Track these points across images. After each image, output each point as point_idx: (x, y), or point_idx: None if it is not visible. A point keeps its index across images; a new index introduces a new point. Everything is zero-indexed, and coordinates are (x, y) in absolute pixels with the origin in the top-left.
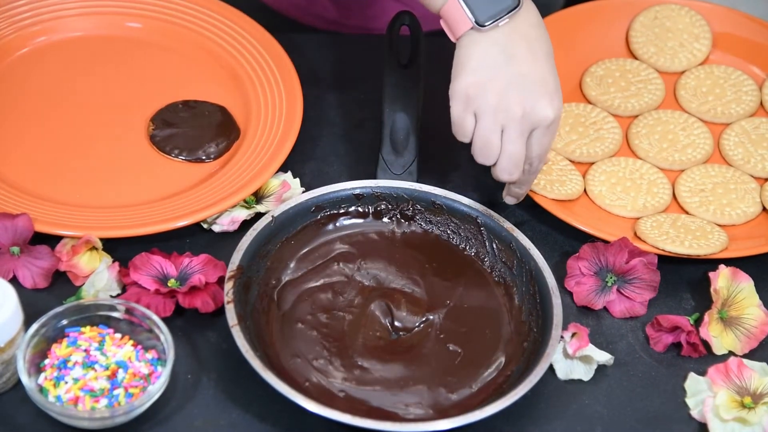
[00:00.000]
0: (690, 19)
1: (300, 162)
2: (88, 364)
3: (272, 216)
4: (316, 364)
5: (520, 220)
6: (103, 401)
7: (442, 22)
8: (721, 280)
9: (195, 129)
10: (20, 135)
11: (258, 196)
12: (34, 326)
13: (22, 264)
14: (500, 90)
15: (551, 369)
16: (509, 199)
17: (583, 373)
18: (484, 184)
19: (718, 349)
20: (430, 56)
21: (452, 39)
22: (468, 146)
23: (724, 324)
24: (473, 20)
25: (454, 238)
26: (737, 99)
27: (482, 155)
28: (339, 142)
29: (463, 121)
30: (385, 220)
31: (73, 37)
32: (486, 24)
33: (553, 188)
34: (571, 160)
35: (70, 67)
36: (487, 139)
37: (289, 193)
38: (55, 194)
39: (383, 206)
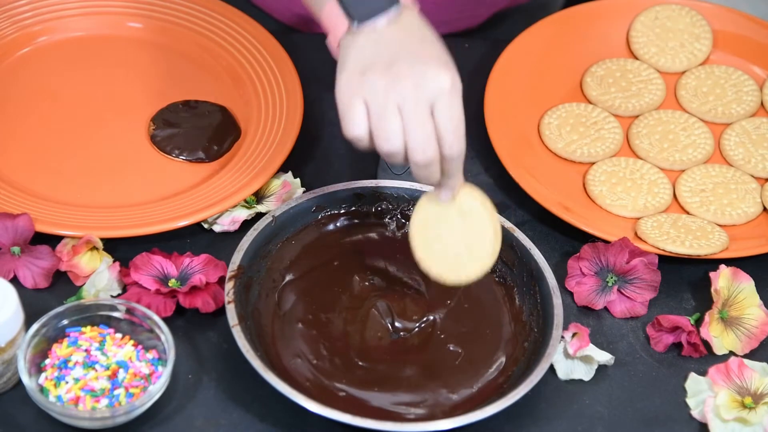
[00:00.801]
0: (691, 19)
1: (300, 162)
2: (89, 364)
3: (273, 216)
4: (316, 364)
5: (521, 220)
6: (104, 401)
7: (325, 30)
8: (722, 280)
9: (195, 129)
10: (21, 135)
11: (258, 196)
12: (35, 326)
13: (23, 264)
14: (385, 69)
15: (552, 369)
16: (445, 193)
17: (584, 373)
18: (485, 183)
19: (719, 349)
20: None
21: (332, 48)
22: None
23: (724, 324)
24: (350, 19)
25: None
26: (738, 99)
27: (385, 141)
28: (339, 142)
29: (350, 108)
30: (386, 220)
31: (74, 36)
32: (365, 21)
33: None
34: (572, 160)
35: (71, 66)
36: (385, 119)
37: (290, 193)
38: (55, 194)
39: (384, 206)
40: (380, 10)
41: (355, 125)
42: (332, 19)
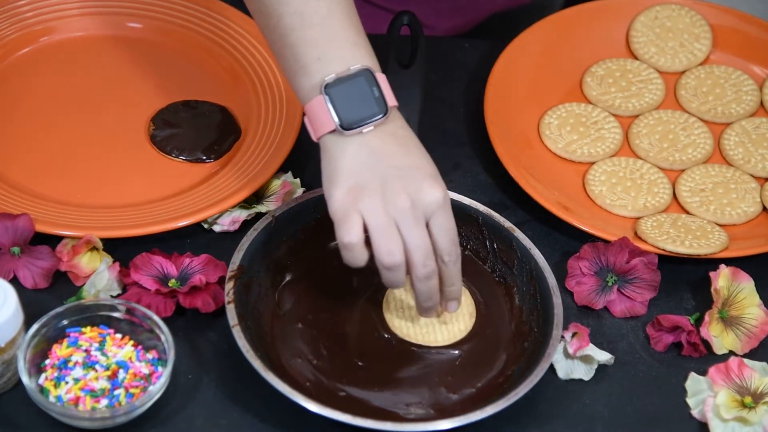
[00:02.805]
0: (690, 19)
1: (300, 162)
2: (89, 365)
3: (273, 216)
4: (316, 363)
5: (521, 220)
6: (104, 401)
7: (305, 117)
8: (722, 279)
9: (195, 129)
10: (21, 135)
11: (258, 196)
12: (35, 326)
13: (23, 264)
14: (380, 187)
15: (552, 369)
16: (452, 305)
17: (584, 372)
18: (485, 183)
19: (719, 349)
20: (431, 57)
21: (313, 137)
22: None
23: (724, 324)
24: (337, 123)
25: None
26: (738, 99)
27: (389, 256)
28: None
29: (347, 220)
30: None
31: (73, 36)
32: (351, 128)
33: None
34: (572, 160)
35: (70, 66)
36: (387, 237)
37: (290, 192)
38: (55, 194)
39: None
40: (370, 117)
41: (352, 234)
42: (318, 115)
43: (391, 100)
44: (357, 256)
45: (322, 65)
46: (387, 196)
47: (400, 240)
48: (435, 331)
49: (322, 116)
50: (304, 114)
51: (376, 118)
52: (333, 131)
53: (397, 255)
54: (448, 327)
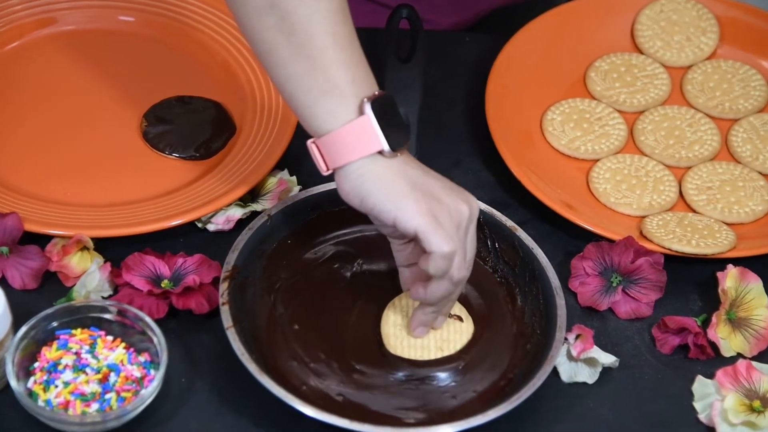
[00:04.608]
0: (697, 12)
1: (297, 159)
2: (79, 368)
3: (268, 215)
4: (313, 366)
5: (523, 219)
6: (95, 405)
7: (326, 142)
8: (729, 280)
9: (189, 125)
10: (10, 131)
11: (254, 195)
12: (24, 328)
13: (11, 264)
14: (443, 196)
15: (555, 372)
16: (440, 321)
17: (588, 375)
18: (486, 181)
19: (727, 351)
20: (431, 51)
21: (337, 162)
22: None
23: (732, 325)
24: (385, 144)
25: None
26: (745, 94)
27: (464, 266)
28: None
29: (439, 227)
30: None
31: (64, 30)
32: (396, 150)
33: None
34: (575, 157)
35: (61, 61)
36: (463, 245)
37: (286, 191)
38: (45, 192)
39: None
40: (406, 140)
41: (451, 241)
42: (361, 136)
43: None
44: (453, 265)
45: (356, 87)
46: (450, 203)
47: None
48: (430, 354)
49: (367, 138)
50: (312, 142)
51: (408, 142)
52: (371, 155)
53: (468, 268)
54: (443, 353)
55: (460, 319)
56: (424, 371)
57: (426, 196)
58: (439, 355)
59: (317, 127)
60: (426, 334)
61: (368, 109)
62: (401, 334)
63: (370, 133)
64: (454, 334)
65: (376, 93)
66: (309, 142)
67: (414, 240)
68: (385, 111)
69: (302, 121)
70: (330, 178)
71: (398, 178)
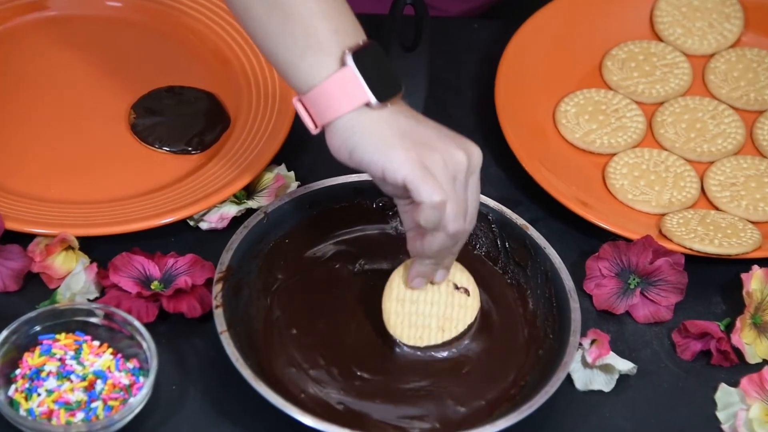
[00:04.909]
0: None
1: (295, 153)
2: (64, 375)
3: (265, 212)
4: (312, 373)
5: (535, 217)
6: (80, 415)
7: (312, 98)
8: (755, 281)
9: (180, 117)
10: None
11: (249, 191)
12: (4, 333)
13: None
14: (436, 144)
15: (569, 379)
16: (441, 274)
17: (604, 383)
18: (495, 177)
19: (752, 358)
20: (437, 38)
21: (329, 116)
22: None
23: (757, 330)
24: (372, 96)
25: None
26: None
27: (460, 217)
28: None
29: (427, 176)
30: (388, 216)
31: (48, 16)
32: (384, 101)
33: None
34: (590, 151)
35: (44, 50)
36: (459, 196)
37: (283, 187)
38: (27, 188)
39: (385, 202)
40: (396, 91)
41: (440, 190)
42: (346, 89)
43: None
44: (445, 216)
45: (339, 39)
46: (444, 152)
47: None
48: (430, 337)
49: (352, 90)
50: (298, 99)
51: (399, 93)
52: (358, 107)
53: (471, 220)
54: (444, 335)
55: (467, 292)
56: (430, 377)
57: (417, 144)
58: (440, 340)
59: (301, 83)
60: (423, 286)
61: (350, 60)
62: (403, 311)
63: (355, 85)
64: (459, 310)
65: (361, 42)
66: (294, 99)
67: None
68: (371, 61)
69: (287, 80)
70: (326, 174)
71: (388, 128)
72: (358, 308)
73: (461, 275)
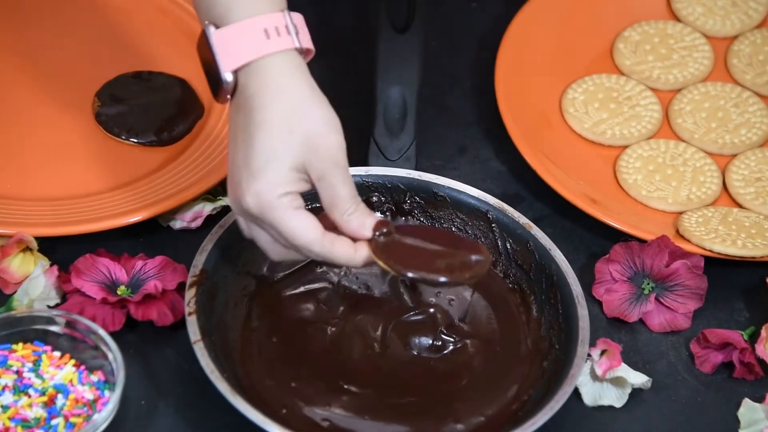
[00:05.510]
0: None
1: None
2: (21, 389)
3: None
4: (294, 386)
5: (539, 215)
6: None
7: (220, 37)
8: None
9: (149, 106)
10: None
11: (225, 187)
12: None
13: None
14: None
15: (576, 393)
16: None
17: (615, 398)
18: (496, 171)
19: None
20: (431, 19)
21: (237, 62)
22: (475, 124)
23: None
24: (297, 43)
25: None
26: None
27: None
28: None
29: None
30: (378, 214)
31: None
32: (308, 48)
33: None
34: (601, 143)
35: (1, 31)
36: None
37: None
38: None
39: (375, 198)
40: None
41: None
42: (272, 27)
43: None
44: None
45: None
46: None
47: None
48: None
49: (280, 32)
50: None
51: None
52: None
53: None
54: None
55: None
56: (425, 391)
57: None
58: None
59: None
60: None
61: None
62: None
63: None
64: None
65: None
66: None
67: None
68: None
69: None
70: None
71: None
72: (344, 315)
73: None
